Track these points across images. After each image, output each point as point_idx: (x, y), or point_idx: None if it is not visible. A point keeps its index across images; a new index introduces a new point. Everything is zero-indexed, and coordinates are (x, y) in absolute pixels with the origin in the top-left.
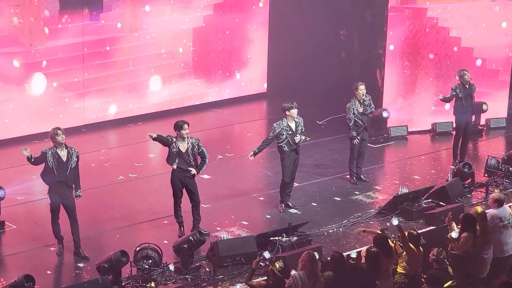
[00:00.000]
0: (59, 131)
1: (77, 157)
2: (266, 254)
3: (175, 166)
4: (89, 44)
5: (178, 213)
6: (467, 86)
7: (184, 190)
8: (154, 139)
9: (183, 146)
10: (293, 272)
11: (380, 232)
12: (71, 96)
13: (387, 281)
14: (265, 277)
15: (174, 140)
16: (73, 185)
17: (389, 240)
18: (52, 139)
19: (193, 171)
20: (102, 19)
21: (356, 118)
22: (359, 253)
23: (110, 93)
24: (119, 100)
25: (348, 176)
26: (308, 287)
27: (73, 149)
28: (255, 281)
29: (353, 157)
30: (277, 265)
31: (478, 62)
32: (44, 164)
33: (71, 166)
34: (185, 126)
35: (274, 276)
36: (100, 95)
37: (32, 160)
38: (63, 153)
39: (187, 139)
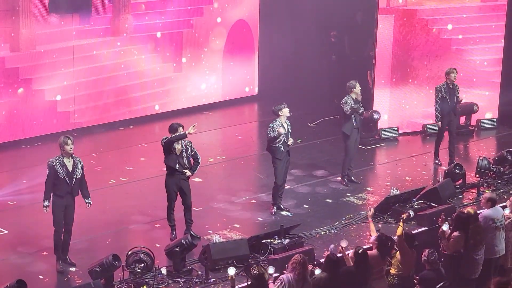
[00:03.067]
0: (69, 141)
1: (82, 167)
2: (230, 271)
3: (177, 167)
4: (79, 48)
5: (171, 217)
6: (451, 86)
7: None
8: (184, 136)
9: (178, 149)
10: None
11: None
12: (61, 100)
13: (381, 282)
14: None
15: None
16: (79, 194)
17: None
18: (61, 148)
19: (188, 173)
20: (92, 23)
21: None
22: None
23: (101, 97)
24: (109, 103)
25: (339, 178)
26: None
27: (78, 158)
28: None
29: (348, 157)
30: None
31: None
32: (48, 172)
33: (76, 177)
34: (180, 129)
35: (254, 279)
36: (91, 99)
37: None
38: (69, 163)
39: (181, 141)
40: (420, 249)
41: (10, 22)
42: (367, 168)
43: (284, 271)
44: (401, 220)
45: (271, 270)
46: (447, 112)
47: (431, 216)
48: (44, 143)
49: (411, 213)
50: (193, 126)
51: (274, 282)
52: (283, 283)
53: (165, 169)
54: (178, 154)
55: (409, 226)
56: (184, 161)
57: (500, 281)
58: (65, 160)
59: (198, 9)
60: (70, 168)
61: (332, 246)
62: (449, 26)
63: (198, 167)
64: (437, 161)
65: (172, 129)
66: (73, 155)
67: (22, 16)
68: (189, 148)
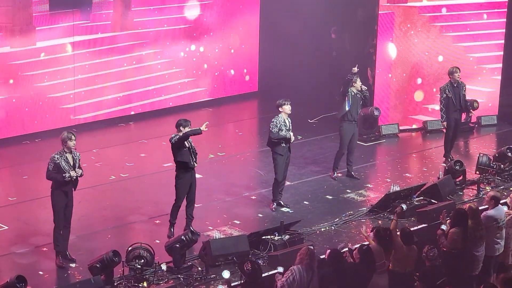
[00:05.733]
0: (72, 137)
1: (79, 160)
2: (225, 274)
3: (191, 163)
4: (79, 44)
5: (175, 214)
6: (455, 85)
7: None
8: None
9: (186, 145)
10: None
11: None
12: (62, 96)
13: (382, 278)
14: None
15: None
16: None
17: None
18: (63, 143)
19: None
20: (93, 19)
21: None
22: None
23: (101, 93)
24: (110, 100)
25: (340, 175)
26: (306, 281)
27: (75, 152)
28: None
29: (342, 151)
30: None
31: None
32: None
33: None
34: (188, 124)
35: (247, 275)
36: (91, 95)
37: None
38: (70, 158)
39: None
40: (420, 245)
41: (10, 18)
42: (368, 165)
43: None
44: (395, 214)
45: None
46: (453, 111)
47: (432, 213)
48: (44, 139)
49: (404, 206)
50: (206, 124)
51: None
52: (294, 273)
53: (165, 165)
54: (187, 150)
55: (408, 223)
56: (193, 155)
57: (505, 277)
58: (67, 155)
59: (198, 5)
60: (71, 163)
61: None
62: (450, 23)
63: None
64: (448, 161)
65: (179, 125)
66: (73, 150)
67: (22, 12)
68: (191, 143)
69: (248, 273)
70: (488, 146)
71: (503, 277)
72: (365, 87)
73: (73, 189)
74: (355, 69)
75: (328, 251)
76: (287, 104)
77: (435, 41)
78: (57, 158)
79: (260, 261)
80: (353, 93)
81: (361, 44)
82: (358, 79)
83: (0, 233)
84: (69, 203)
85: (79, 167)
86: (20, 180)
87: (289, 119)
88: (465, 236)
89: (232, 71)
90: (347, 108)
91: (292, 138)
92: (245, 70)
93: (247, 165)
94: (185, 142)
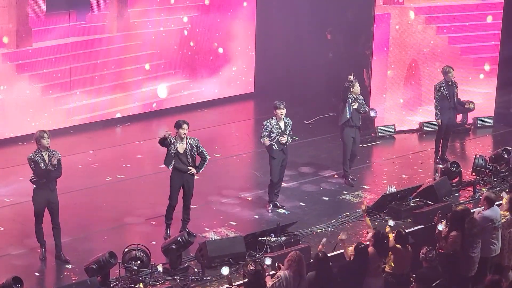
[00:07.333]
0: (45, 135)
1: (58, 160)
2: (224, 271)
3: (171, 167)
4: (75, 45)
5: (169, 215)
6: (450, 83)
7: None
8: (165, 138)
9: (181, 147)
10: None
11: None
12: (58, 97)
13: (377, 280)
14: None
15: (173, 140)
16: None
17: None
18: (37, 142)
19: (193, 170)
20: (89, 20)
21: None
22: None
23: (98, 94)
24: (106, 101)
25: (336, 176)
26: (293, 287)
27: (53, 152)
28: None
29: (346, 157)
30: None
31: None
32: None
33: (51, 169)
34: (185, 126)
35: (251, 276)
36: (87, 96)
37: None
38: (46, 157)
39: (186, 139)
40: (417, 247)
41: (7, 18)
42: (364, 166)
43: (279, 264)
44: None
45: (268, 261)
46: (447, 109)
47: (428, 214)
48: None
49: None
50: (165, 131)
51: (271, 275)
52: (281, 279)
53: (161, 166)
54: (181, 153)
55: (405, 224)
56: (188, 159)
57: (492, 280)
58: (43, 153)
59: (195, 6)
60: (47, 161)
61: (324, 240)
62: (446, 24)
63: (204, 165)
64: (437, 159)
65: (177, 125)
66: (49, 149)
67: (19, 13)
68: (195, 147)
69: (251, 274)
70: (484, 147)
71: (489, 279)
72: (361, 97)
73: (55, 186)
74: (351, 77)
75: (316, 253)
76: (280, 109)
77: (431, 42)
78: (32, 156)
79: None
80: (353, 99)
81: (357, 45)
82: (357, 84)
83: None
84: (52, 200)
85: (57, 166)
86: (17, 181)
87: (288, 120)
88: (464, 238)
89: (228, 72)
90: (348, 116)
91: (283, 140)
92: (239, 69)
93: (244, 166)
94: (179, 146)
